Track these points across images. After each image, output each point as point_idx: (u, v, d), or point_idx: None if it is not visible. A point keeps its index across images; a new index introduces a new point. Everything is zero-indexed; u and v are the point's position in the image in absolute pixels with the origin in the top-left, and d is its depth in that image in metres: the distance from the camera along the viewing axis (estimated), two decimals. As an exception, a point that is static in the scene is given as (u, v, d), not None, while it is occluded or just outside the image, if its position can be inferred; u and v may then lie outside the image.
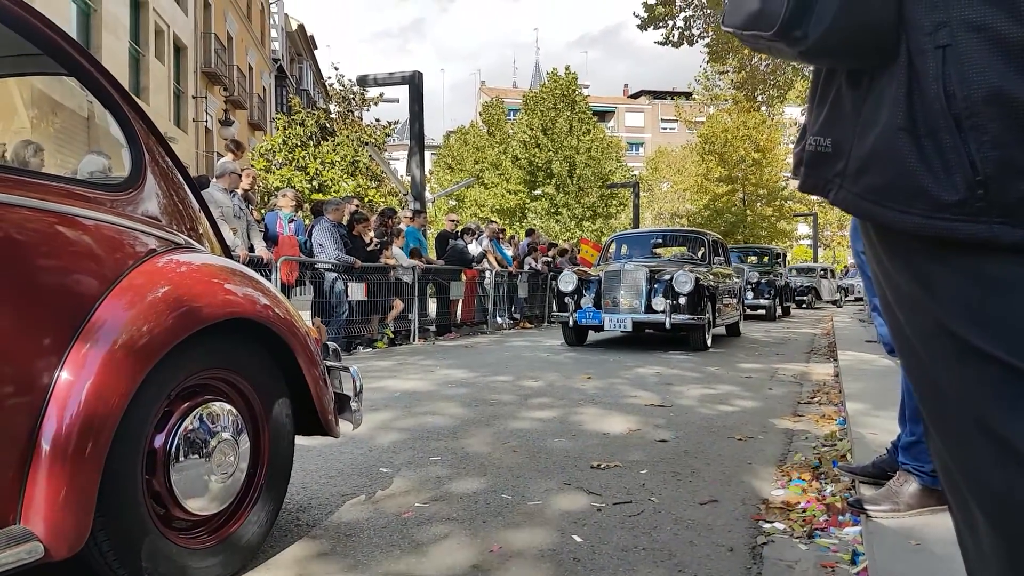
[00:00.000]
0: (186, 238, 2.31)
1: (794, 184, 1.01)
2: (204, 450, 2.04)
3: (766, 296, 16.36)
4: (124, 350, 1.78)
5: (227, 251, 2.71)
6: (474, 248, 12.83)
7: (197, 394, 2.11)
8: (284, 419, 2.41)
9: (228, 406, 2.17)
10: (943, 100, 0.79)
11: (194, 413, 2.04)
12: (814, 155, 0.97)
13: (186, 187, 2.45)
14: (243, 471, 2.21)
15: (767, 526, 2.62)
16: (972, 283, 0.81)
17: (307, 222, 11.46)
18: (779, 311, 17.41)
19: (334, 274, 9.10)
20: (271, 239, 8.86)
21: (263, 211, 11.06)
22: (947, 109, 0.79)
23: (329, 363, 2.73)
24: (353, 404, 2.77)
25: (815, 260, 38.53)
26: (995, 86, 0.75)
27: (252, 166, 19.46)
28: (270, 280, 8.21)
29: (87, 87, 2.10)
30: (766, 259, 19.16)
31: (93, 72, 2.08)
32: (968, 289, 0.82)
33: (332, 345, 2.89)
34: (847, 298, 27.15)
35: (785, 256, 21.76)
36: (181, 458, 1.99)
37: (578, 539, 2.48)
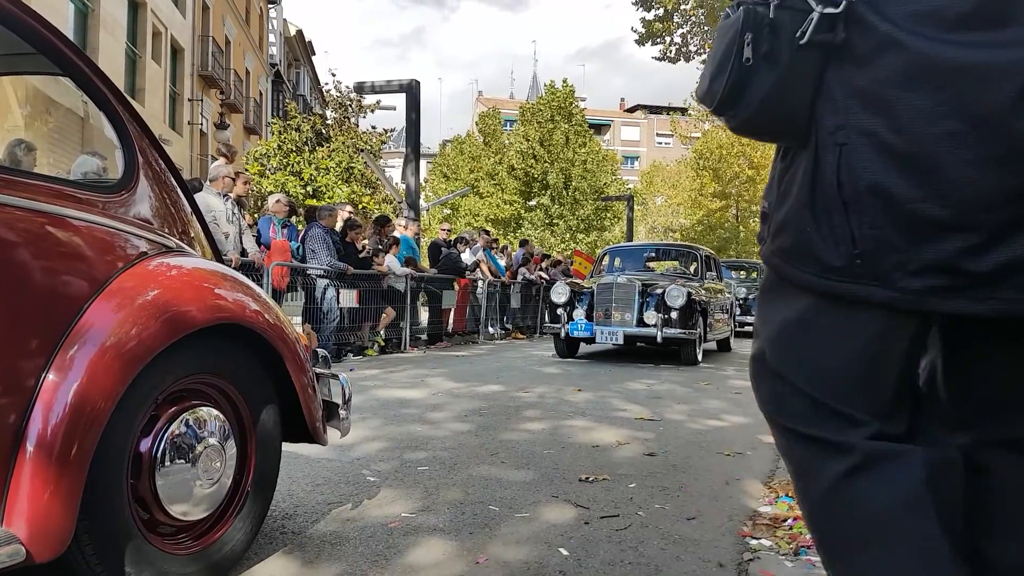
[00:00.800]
0: (177, 241, 2.30)
1: None
2: (190, 455, 2.03)
3: (753, 312, 16.24)
4: (112, 353, 1.77)
5: (218, 255, 2.70)
6: (467, 257, 12.83)
7: (184, 399, 2.09)
8: (271, 425, 2.40)
9: (215, 411, 2.16)
10: (835, 187, 0.99)
11: (181, 418, 2.03)
12: (761, 213, 1.18)
13: (179, 190, 2.44)
14: (229, 477, 2.19)
15: (754, 542, 2.61)
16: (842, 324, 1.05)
17: (300, 227, 11.44)
18: None
19: (326, 280, 9.08)
20: (264, 244, 8.83)
21: (256, 215, 11.03)
22: (838, 195, 0.99)
23: (318, 370, 2.71)
24: (342, 412, 2.75)
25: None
26: (874, 181, 0.95)
27: (246, 170, 19.43)
28: (261, 285, 8.18)
29: (81, 87, 2.09)
30: (754, 274, 18.66)
31: (88, 72, 2.07)
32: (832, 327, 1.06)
33: (322, 352, 2.87)
34: None
35: None
36: (167, 463, 1.97)
37: (564, 552, 2.47)
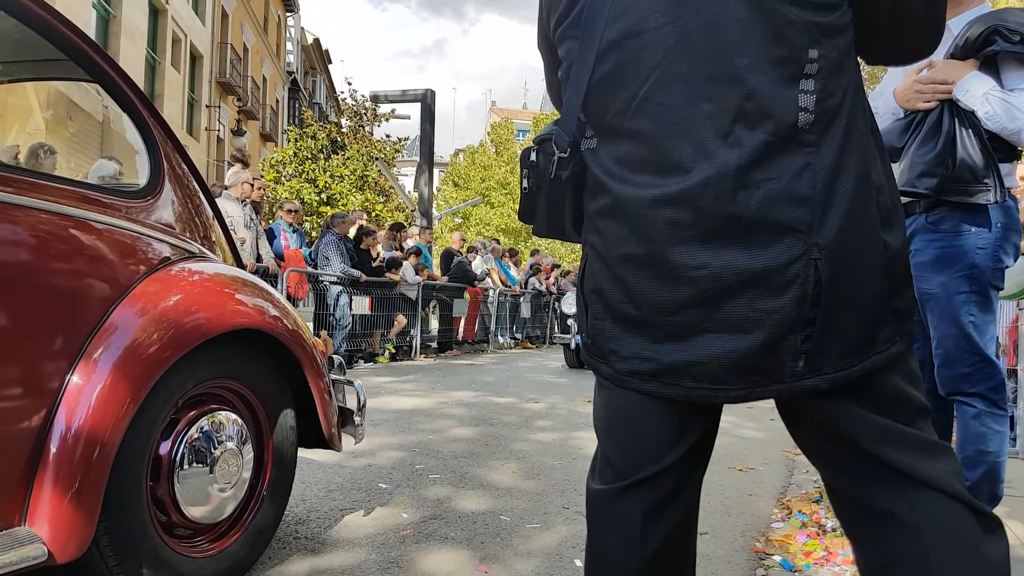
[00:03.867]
0: (199, 247, 2.33)
1: None
2: (208, 459, 2.05)
3: None
4: (135, 357, 1.79)
5: (239, 260, 2.72)
6: (478, 266, 12.85)
7: (204, 403, 2.11)
8: (288, 431, 2.42)
9: (234, 416, 2.18)
10: (581, 287, 1.29)
11: (200, 422, 2.05)
12: None
13: (201, 195, 2.47)
14: (245, 481, 2.21)
15: (766, 559, 2.61)
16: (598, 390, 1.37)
17: (314, 234, 11.50)
18: None
19: (339, 287, 9.12)
20: (275, 251, 8.88)
21: (270, 221, 11.10)
22: (582, 293, 1.29)
23: (334, 376, 2.73)
24: (356, 418, 2.77)
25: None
26: (597, 285, 1.24)
27: (262, 176, 19.55)
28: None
29: (110, 93, 2.13)
30: None
31: (116, 79, 2.11)
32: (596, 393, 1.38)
33: (337, 358, 2.90)
34: None
35: None
36: (186, 466, 1.99)
37: (578, 563, 2.47)
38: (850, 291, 1.09)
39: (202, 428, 2.05)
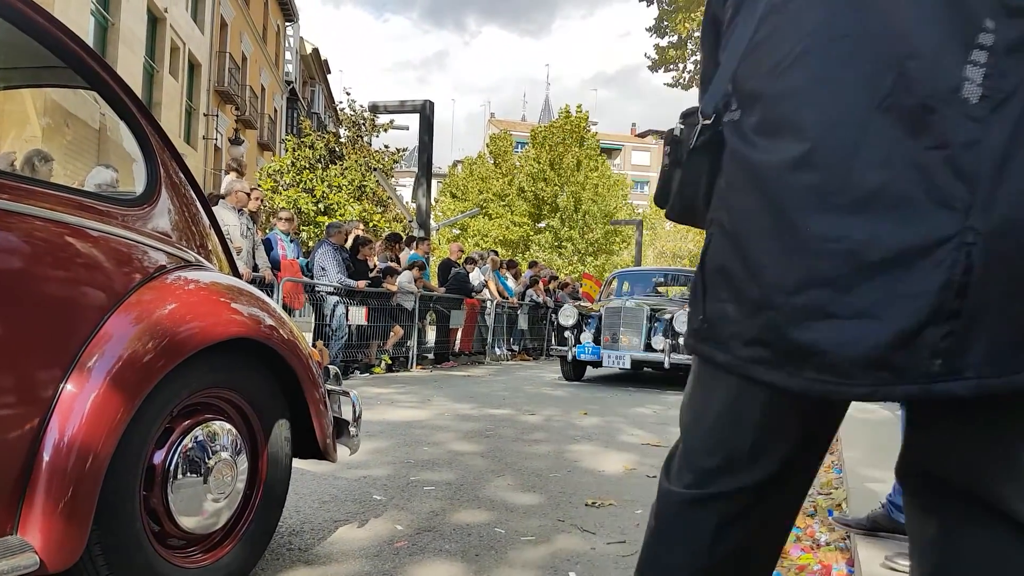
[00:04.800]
0: (195, 255, 2.33)
1: None
2: (202, 469, 2.04)
3: None
4: (129, 366, 1.78)
5: (235, 269, 2.72)
6: (475, 277, 12.85)
7: (199, 412, 2.10)
8: (283, 441, 2.40)
9: (228, 426, 2.17)
10: (702, 269, 1.22)
11: (194, 432, 2.04)
12: None
13: (198, 203, 2.47)
14: (239, 492, 2.20)
15: (762, 573, 2.59)
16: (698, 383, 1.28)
17: (311, 243, 11.50)
18: None
19: (335, 297, 9.11)
20: (272, 260, 8.88)
21: (266, 230, 11.10)
22: (702, 275, 1.22)
23: (329, 387, 2.72)
24: (352, 429, 2.75)
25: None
26: (721, 263, 1.16)
27: (259, 186, 19.55)
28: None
29: (108, 100, 2.13)
30: None
31: (114, 86, 2.11)
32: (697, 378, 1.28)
33: (333, 369, 2.89)
34: None
35: None
36: (179, 476, 1.98)
37: (571, 577, 2.46)
38: (1008, 288, 0.96)
39: (196, 438, 2.04)
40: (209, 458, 2.06)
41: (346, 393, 2.77)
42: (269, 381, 2.35)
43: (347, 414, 2.78)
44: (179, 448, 1.99)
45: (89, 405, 1.69)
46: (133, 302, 1.91)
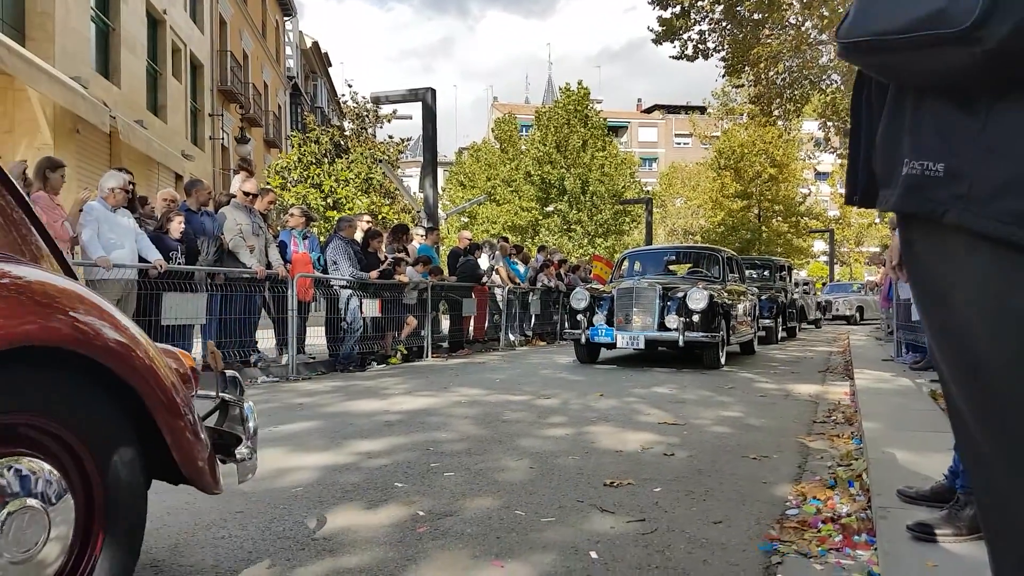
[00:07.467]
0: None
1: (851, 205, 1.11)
2: None
3: (767, 315, 14.06)
4: None
5: (69, 271, 2.26)
6: (484, 262, 12.86)
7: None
8: (129, 474, 1.91)
9: (40, 463, 1.70)
10: None
11: None
12: (919, 178, 1.02)
13: (8, 195, 2.04)
14: (64, 541, 1.74)
15: (781, 546, 2.62)
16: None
17: (322, 238, 11.56)
18: (782, 333, 15.49)
19: (349, 291, 9.17)
20: (288, 259, 8.92)
21: (279, 228, 11.16)
22: None
23: (225, 396, 2.38)
24: (242, 450, 2.26)
25: (831, 278, 38.12)
26: None
27: (268, 183, 19.62)
28: (287, 296, 8.26)
29: None
30: (767, 272, 16.72)
31: None
32: None
33: (231, 373, 2.46)
34: (825, 316, 24.99)
35: (791, 269, 19.13)
36: None
37: (594, 555, 2.49)
38: None
39: None
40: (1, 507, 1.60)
41: (240, 404, 2.39)
42: (103, 403, 1.86)
43: (241, 430, 2.36)
44: None
45: None
46: None
